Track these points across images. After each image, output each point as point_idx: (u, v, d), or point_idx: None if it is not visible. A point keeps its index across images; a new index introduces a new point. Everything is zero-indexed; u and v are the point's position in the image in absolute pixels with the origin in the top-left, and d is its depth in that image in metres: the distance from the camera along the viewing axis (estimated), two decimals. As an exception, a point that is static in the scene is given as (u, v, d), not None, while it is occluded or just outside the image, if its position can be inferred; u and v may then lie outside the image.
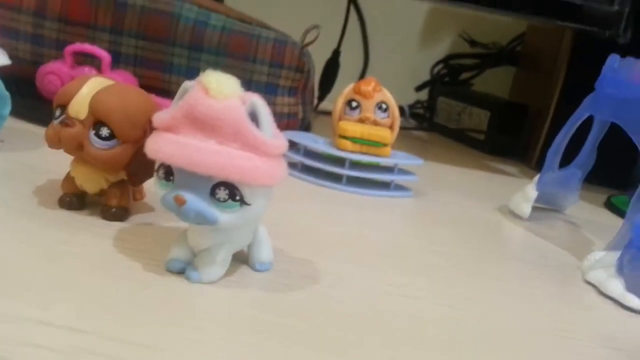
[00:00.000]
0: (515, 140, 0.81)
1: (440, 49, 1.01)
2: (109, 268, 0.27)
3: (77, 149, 0.31)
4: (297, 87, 0.55)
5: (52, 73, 0.51)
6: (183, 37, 0.52)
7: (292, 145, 0.49)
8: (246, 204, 0.25)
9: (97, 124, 0.30)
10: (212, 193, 0.25)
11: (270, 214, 0.29)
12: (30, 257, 0.27)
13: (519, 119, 0.81)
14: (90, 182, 0.33)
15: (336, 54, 0.81)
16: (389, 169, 0.52)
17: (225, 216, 0.25)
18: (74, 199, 0.33)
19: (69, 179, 0.33)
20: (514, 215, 0.52)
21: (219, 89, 0.24)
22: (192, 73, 0.51)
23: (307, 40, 0.56)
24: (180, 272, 0.27)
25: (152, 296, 0.25)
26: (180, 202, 0.25)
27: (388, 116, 0.52)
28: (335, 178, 0.49)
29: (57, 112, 0.32)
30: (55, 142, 0.31)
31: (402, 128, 0.55)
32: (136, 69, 0.53)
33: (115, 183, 0.33)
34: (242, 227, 0.28)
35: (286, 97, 0.54)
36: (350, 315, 0.27)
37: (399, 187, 0.52)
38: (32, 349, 0.20)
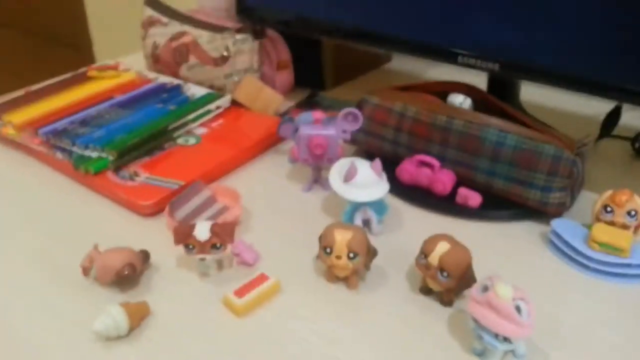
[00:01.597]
0: None
1: None
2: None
3: None
4: (567, 186, 0.76)
5: (404, 169, 0.84)
6: (486, 152, 0.78)
7: (557, 236, 0.73)
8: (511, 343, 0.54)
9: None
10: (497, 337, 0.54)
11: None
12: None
13: None
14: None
15: (618, 107, 0.96)
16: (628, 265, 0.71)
17: (504, 346, 0.54)
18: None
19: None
20: None
21: (501, 295, 0.52)
22: (491, 177, 0.78)
23: (582, 146, 0.76)
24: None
25: None
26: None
27: (636, 220, 0.71)
28: (584, 266, 0.71)
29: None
30: None
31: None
32: (455, 169, 0.82)
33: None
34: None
35: (558, 193, 0.76)
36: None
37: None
38: None
